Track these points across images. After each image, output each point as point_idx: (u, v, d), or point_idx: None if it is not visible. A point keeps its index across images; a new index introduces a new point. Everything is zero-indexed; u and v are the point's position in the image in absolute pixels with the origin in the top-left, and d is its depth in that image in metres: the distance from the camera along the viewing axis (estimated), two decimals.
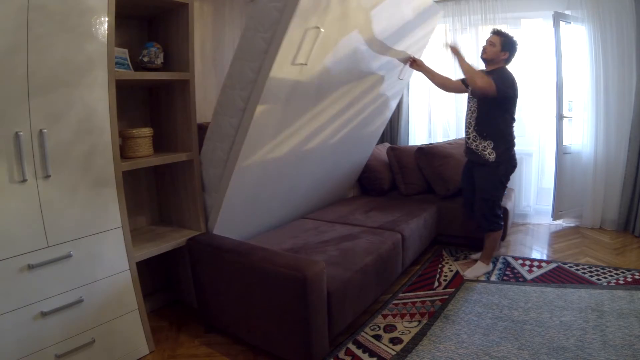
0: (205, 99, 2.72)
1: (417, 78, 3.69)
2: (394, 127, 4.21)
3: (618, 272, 2.62)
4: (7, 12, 1.38)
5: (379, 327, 2.15)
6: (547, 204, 3.75)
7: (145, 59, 2.06)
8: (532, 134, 3.86)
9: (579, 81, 3.54)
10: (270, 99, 2.01)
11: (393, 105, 3.41)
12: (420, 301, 2.40)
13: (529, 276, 2.66)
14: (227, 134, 2.10)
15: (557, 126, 3.48)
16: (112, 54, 1.72)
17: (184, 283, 2.41)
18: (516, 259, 2.95)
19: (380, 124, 3.42)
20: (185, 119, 2.16)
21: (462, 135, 3.82)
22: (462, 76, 2.88)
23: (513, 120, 2.56)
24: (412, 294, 2.51)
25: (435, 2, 2.83)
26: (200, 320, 2.24)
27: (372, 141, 3.46)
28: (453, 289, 2.53)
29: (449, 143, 3.52)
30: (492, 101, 2.48)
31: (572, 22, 3.44)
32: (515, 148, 2.61)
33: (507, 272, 2.73)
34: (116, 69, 1.80)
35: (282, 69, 1.93)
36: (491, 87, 2.39)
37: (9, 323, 1.48)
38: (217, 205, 2.23)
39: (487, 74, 2.45)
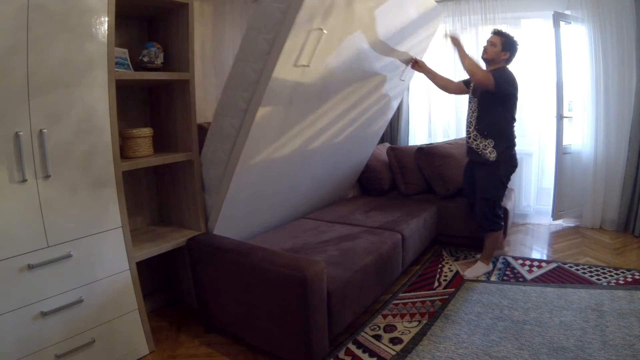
0: (205, 99, 2.72)
1: (417, 78, 3.69)
2: (394, 127, 4.21)
3: (618, 272, 2.62)
4: (7, 12, 1.38)
5: (379, 327, 2.15)
6: (547, 204, 3.75)
7: (145, 59, 2.06)
8: (532, 134, 3.87)
9: (579, 81, 3.54)
10: (272, 100, 2.00)
11: (395, 105, 3.41)
12: (420, 301, 2.40)
13: (529, 276, 2.66)
14: (228, 135, 2.10)
15: (557, 126, 3.48)
16: (112, 54, 1.72)
17: (184, 283, 2.41)
18: (516, 259, 2.95)
19: (382, 124, 3.43)
20: (185, 119, 2.16)
21: (462, 135, 3.84)
22: (463, 78, 2.89)
23: (514, 120, 2.56)
24: (412, 294, 2.51)
25: (435, 2, 2.82)
26: (200, 320, 2.24)
27: (373, 141, 3.46)
28: (453, 289, 2.53)
29: (449, 143, 3.52)
30: (493, 100, 2.48)
31: (572, 22, 3.44)
32: (516, 148, 2.61)
33: (507, 272, 2.73)
34: (116, 69, 1.80)
35: (285, 70, 1.93)
36: (489, 81, 2.40)
37: (9, 323, 1.48)
38: (217, 206, 2.23)
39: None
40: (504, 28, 3.29)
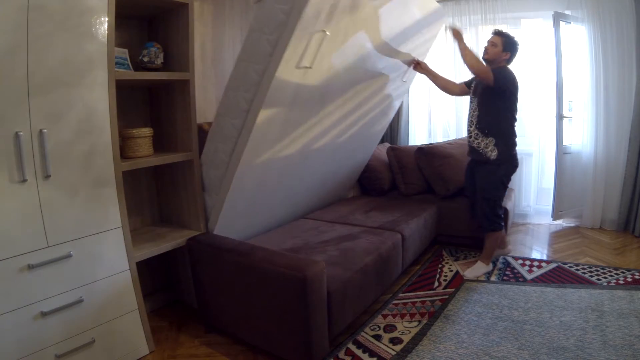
0: (205, 99, 2.72)
1: (417, 79, 3.69)
2: (394, 127, 4.21)
3: (618, 272, 2.62)
4: (7, 12, 1.38)
5: (379, 327, 2.15)
6: (547, 204, 3.75)
7: (145, 59, 2.06)
8: (532, 134, 3.87)
9: (579, 81, 3.54)
10: (275, 101, 2.00)
11: (396, 105, 3.42)
12: (420, 301, 2.40)
13: (529, 276, 2.66)
14: (229, 135, 2.09)
15: (557, 126, 3.48)
16: (112, 54, 1.72)
17: (184, 283, 2.41)
18: (516, 259, 2.95)
19: (384, 125, 3.44)
20: (185, 119, 2.16)
21: (462, 135, 3.85)
22: (464, 79, 2.89)
23: (514, 119, 2.56)
24: (412, 294, 2.51)
25: (436, 1, 2.82)
26: (200, 320, 2.24)
27: (374, 141, 3.46)
28: (453, 289, 2.53)
29: (449, 143, 3.52)
30: (493, 99, 2.49)
31: (572, 22, 3.44)
32: (516, 148, 2.61)
33: (507, 272, 2.73)
34: (116, 69, 1.80)
35: (287, 71, 1.92)
36: (488, 75, 2.40)
37: (9, 323, 1.48)
38: (217, 206, 2.23)
39: None
40: (504, 28, 3.29)
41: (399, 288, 2.59)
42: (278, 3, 1.80)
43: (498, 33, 2.55)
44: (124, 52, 2.04)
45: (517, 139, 2.61)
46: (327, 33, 1.90)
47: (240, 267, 1.90)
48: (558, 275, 2.64)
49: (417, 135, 4.24)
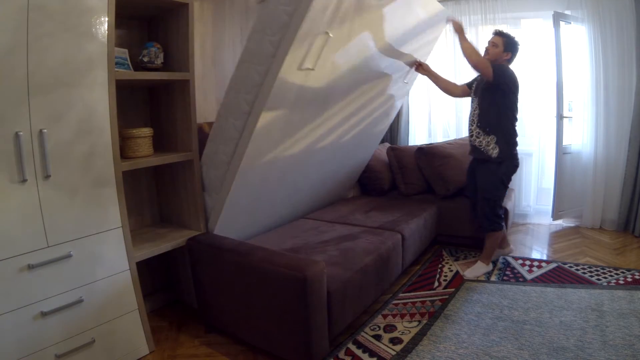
0: (205, 99, 2.72)
1: (417, 79, 3.69)
2: (394, 127, 4.21)
3: (618, 272, 2.62)
4: (7, 12, 1.38)
5: (379, 327, 2.15)
6: (547, 204, 3.76)
7: (145, 59, 2.06)
8: (532, 134, 3.86)
9: (579, 81, 3.54)
10: (277, 103, 1.99)
11: (398, 106, 3.43)
12: (420, 301, 2.40)
13: (529, 276, 2.66)
14: (230, 136, 2.09)
15: (557, 126, 3.48)
16: (112, 54, 1.72)
17: (184, 283, 2.41)
18: (516, 259, 2.95)
19: (386, 125, 3.44)
20: (185, 119, 2.16)
21: (462, 135, 3.85)
22: (465, 81, 2.89)
23: (515, 119, 2.56)
24: (412, 294, 2.51)
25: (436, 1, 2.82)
26: (200, 320, 2.24)
27: (375, 141, 3.47)
28: (453, 289, 2.53)
29: (449, 143, 3.52)
30: (493, 97, 2.49)
31: (572, 22, 3.44)
32: (517, 148, 2.61)
33: (507, 272, 2.73)
34: (116, 69, 1.80)
35: (290, 73, 1.91)
36: (487, 69, 2.41)
37: (9, 323, 1.48)
38: (218, 206, 2.23)
39: None
40: (504, 28, 3.29)
41: (399, 288, 2.59)
42: (281, 4, 1.78)
43: (499, 33, 2.55)
44: (124, 52, 2.04)
45: (518, 139, 2.61)
46: (330, 35, 1.89)
47: (240, 267, 1.90)
48: (558, 275, 2.64)
49: (417, 135, 4.24)
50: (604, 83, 3.37)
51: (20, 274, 1.50)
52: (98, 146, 1.72)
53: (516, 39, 2.54)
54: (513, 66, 2.58)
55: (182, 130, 2.20)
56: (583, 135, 3.57)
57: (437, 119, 4.20)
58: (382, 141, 4.13)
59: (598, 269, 2.69)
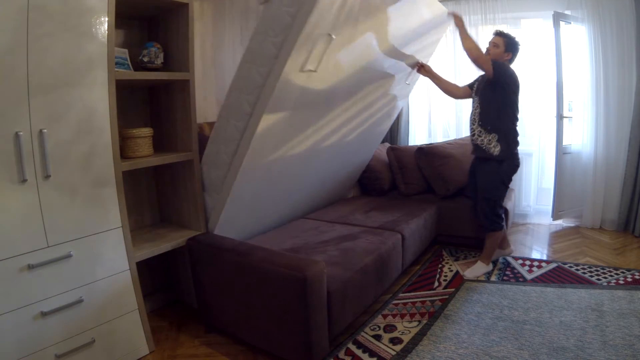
0: (205, 99, 2.72)
1: (418, 80, 3.70)
2: (394, 127, 4.21)
3: (618, 272, 2.62)
4: (7, 12, 1.38)
5: (379, 327, 2.15)
6: (547, 204, 3.76)
7: (145, 59, 2.06)
8: (532, 134, 3.86)
9: (579, 81, 3.54)
10: (278, 105, 1.99)
11: (400, 105, 3.43)
12: (420, 301, 2.40)
13: (529, 276, 2.66)
14: (232, 137, 2.08)
15: (557, 126, 3.48)
16: (112, 54, 1.72)
17: (184, 283, 2.41)
18: (516, 259, 2.95)
19: (387, 125, 3.45)
20: (185, 119, 2.16)
21: (462, 135, 3.85)
22: (466, 82, 2.89)
23: (516, 118, 2.56)
24: (412, 294, 2.51)
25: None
26: (200, 320, 2.24)
27: (377, 141, 3.47)
28: (453, 289, 2.53)
29: (449, 143, 3.52)
30: (494, 96, 2.50)
31: (572, 22, 3.44)
32: (518, 148, 2.61)
33: (507, 272, 2.73)
34: (116, 69, 1.80)
35: (292, 75, 1.91)
36: (487, 63, 2.41)
37: (9, 323, 1.48)
38: (218, 207, 2.23)
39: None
40: (504, 28, 3.29)
41: (399, 288, 2.59)
42: (284, 5, 1.77)
43: (500, 34, 2.55)
44: (124, 52, 2.04)
45: (518, 139, 2.61)
46: (333, 37, 1.88)
47: (240, 267, 1.90)
48: (558, 275, 2.64)
49: (417, 135, 4.24)
50: (604, 83, 3.37)
51: (20, 274, 1.50)
52: (98, 146, 1.72)
53: (517, 39, 2.55)
54: (513, 66, 2.58)
55: (182, 130, 2.20)
56: (583, 135, 3.57)
57: (437, 119, 4.20)
58: (382, 141, 4.13)
59: (598, 269, 2.69)
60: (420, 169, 3.38)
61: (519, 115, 2.59)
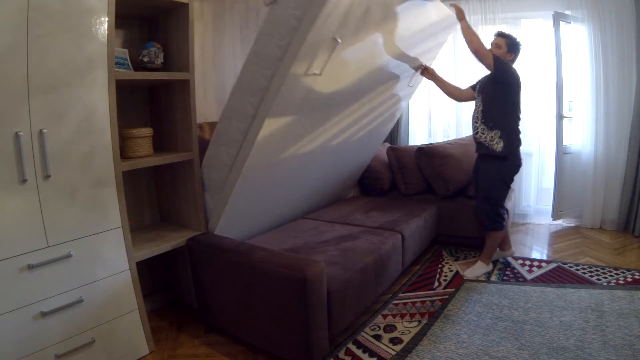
0: (205, 99, 2.72)
1: (421, 82, 3.70)
2: (394, 127, 4.21)
3: (618, 272, 2.62)
4: (7, 12, 1.38)
5: (379, 327, 2.15)
6: (547, 204, 3.76)
7: (145, 59, 2.06)
8: (532, 134, 3.86)
9: (579, 81, 3.54)
10: (282, 107, 1.98)
11: (403, 106, 3.43)
12: (420, 301, 2.40)
13: (529, 276, 2.66)
14: (234, 139, 2.08)
15: (557, 126, 3.48)
16: (112, 54, 1.72)
17: (184, 283, 2.41)
18: (516, 259, 2.95)
19: (390, 126, 3.46)
20: (185, 119, 2.16)
21: (462, 135, 3.85)
22: (466, 82, 2.88)
23: (518, 117, 2.56)
24: (412, 294, 2.51)
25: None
26: (200, 320, 2.24)
27: (378, 141, 3.48)
28: (453, 289, 2.53)
29: (449, 143, 3.52)
30: (496, 93, 2.50)
31: (572, 22, 3.44)
32: (519, 148, 2.61)
33: (507, 272, 2.73)
34: (116, 69, 1.80)
35: (296, 78, 1.90)
36: (488, 57, 2.41)
37: (9, 323, 1.48)
38: (220, 207, 2.23)
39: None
40: (504, 28, 3.29)
41: (399, 288, 2.59)
42: (290, 8, 1.75)
43: (501, 35, 2.56)
44: (124, 52, 2.04)
45: (521, 137, 2.60)
46: (339, 40, 1.87)
47: (240, 267, 1.90)
48: (558, 275, 2.64)
49: (417, 135, 4.24)
50: (604, 83, 3.37)
51: (20, 274, 1.50)
52: (98, 146, 1.72)
53: (518, 39, 2.55)
54: (515, 66, 2.58)
55: (182, 130, 2.20)
56: (583, 135, 3.57)
57: (437, 119, 4.20)
58: (382, 141, 4.14)
59: (598, 269, 2.69)
60: (420, 169, 3.38)
61: (521, 115, 2.60)
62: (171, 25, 2.13)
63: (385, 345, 1.98)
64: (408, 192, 3.43)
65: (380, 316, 2.26)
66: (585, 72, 3.45)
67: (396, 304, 2.38)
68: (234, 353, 1.99)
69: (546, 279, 2.60)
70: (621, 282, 2.48)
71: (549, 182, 3.77)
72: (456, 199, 3.22)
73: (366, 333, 2.10)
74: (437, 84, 2.95)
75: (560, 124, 3.47)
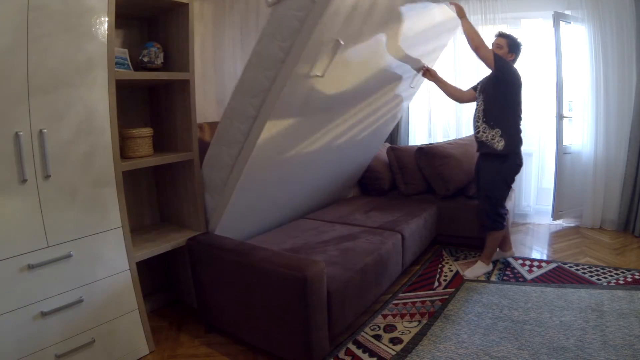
0: (205, 99, 2.72)
1: (423, 83, 3.70)
2: (394, 127, 4.20)
3: (618, 272, 2.62)
4: (7, 12, 1.38)
5: (379, 327, 2.15)
6: (547, 204, 3.76)
7: (145, 59, 2.06)
8: (532, 134, 3.86)
9: (579, 81, 3.54)
10: (285, 109, 1.98)
11: (405, 106, 3.44)
12: (420, 301, 2.40)
13: (529, 276, 2.66)
14: (235, 140, 2.07)
15: (557, 126, 3.48)
16: (112, 54, 1.72)
17: (184, 283, 2.41)
18: (516, 259, 2.95)
19: (392, 126, 3.46)
20: (185, 119, 2.16)
21: (462, 135, 3.85)
22: (466, 82, 2.88)
23: (519, 117, 2.56)
24: (412, 294, 2.51)
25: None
26: (200, 320, 2.24)
27: (379, 142, 3.47)
28: (453, 289, 2.53)
29: (449, 143, 3.52)
30: (496, 92, 2.50)
31: (572, 22, 3.44)
32: (521, 148, 2.61)
33: (507, 272, 2.73)
34: (116, 69, 1.80)
35: (299, 80, 1.90)
36: (489, 54, 2.41)
37: (9, 323, 1.48)
38: (220, 207, 2.22)
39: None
40: (504, 28, 3.29)
41: (399, 288, 2.59)
42: (293, 9, 1.73)
43: (502, 35, 2.56)
44: (124, 52, 2.04)
45: (522, 136, 2.60)
46: (342, 42, 1.86)
47: (240, 267, 1.90)
48: (558, 275, 2.64)
49: (417, 135, 4.24)
50: (604, 83, 3.37)
51: (20, 274, 1.50)
52: (98, 146, 1.72)
53: (519, 39, 2.55)
54: (516, 66, 2.58)
55: (182, 130, 2.20)
56: (583, 135, 3.57)
57: (437, 119, 4.20)
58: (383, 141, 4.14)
59: (598, 269, 2.69)
60: (420, 169, 3.38)
61: (522, 115, 2.60)
62: (171, 25, 2.13)
63: (385, 345, 1.98)
64: (408, 192, 3.43)
65: (380, 316, 2.26)
66: (585, 72, 3.45)
67: (396, 304, 2.38)
68: (234, 353, 1.99)
69: (546, 279, 2.60)
70: (621, 282, 2.48)
71: (549, 182, 3.77)
72: (456, 199, 3.22)
73: (366, 333, 2.10)
74: (438, 86, 2.94)
75: (560, 124, 3.47)
